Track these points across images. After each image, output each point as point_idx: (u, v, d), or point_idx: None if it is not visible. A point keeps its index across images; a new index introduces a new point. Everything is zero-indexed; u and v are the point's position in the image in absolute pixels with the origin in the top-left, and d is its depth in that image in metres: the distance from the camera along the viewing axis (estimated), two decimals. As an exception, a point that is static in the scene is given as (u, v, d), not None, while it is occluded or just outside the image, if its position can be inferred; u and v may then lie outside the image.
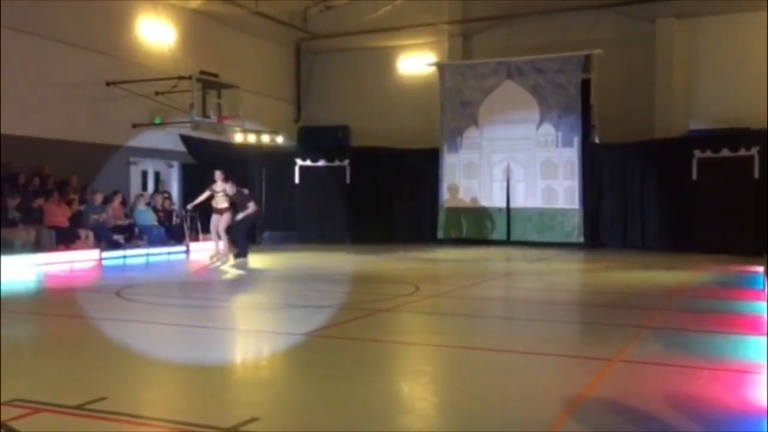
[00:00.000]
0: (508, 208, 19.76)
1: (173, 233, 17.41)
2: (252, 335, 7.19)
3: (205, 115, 17.48)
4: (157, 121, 18.27)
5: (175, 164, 20.10)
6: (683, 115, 20.15)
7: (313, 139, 23.63)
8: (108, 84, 17.25)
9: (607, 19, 20.61)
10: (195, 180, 17.98)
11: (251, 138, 20.25)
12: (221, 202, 14.17)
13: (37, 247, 13.87)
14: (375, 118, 23.25)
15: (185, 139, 19.10)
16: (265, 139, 20.64)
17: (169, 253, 16.41)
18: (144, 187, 19.27)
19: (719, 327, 7.33)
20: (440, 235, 20.37)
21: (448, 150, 20.52)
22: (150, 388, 5.06)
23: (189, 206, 15.29)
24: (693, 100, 20.26)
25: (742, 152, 16.98)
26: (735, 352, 6.30)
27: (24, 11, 15.48)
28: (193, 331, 7.22)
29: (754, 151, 16.75)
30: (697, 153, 17.64)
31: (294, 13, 23.43)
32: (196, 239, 17.56)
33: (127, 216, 16.57)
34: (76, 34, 16.74)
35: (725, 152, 17.27)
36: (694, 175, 17.64)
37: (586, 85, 19.01)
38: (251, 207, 14.26)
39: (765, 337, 6.29)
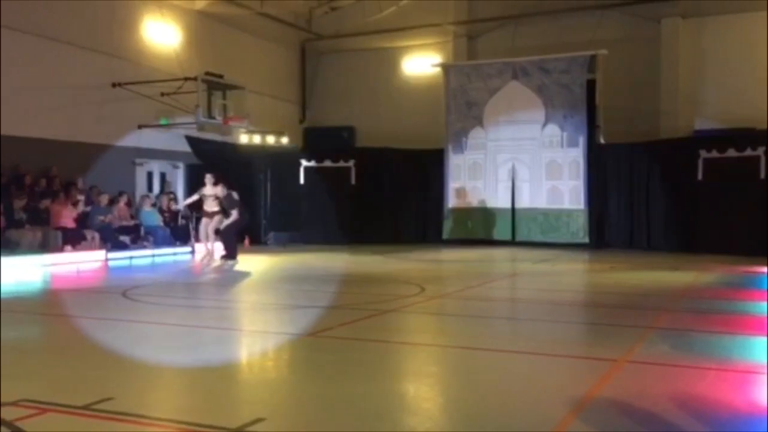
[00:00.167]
0: (513, 209, 19.74)
1: (179, 234, 17.44)
2: (258, 336, 7.20)
3: (210, 116, 17.51)
4: (163, 122, 18.31)
5: (181, 165, 20.14)
6: (689, 116, 20.10)
7: (318, 139, 23.65)
8: (114, 85, 17.31)
9: (612, 19, 20.59)
10: (200, 181, 17.94)
11: (256, 139, 20.28)
12: (211, 206, 14.12)
13: (44, 247, 13.92)
14: (380, 118, 23.26)
15: (190, 140, 19.14)
16: (270, 140, 20.66)
17: (174, 254, 16.44)
18: (149, 188, 19.31)
19: (725, 328, 7.31)
20: (445, 235, 20.36)
21: (453, 150, 20.52)
22: (156, 388, 5.07)
23: (181, 204, 15.24)
24: (699, 100, 20.20)
25: (748, 152, 16.92)
26: (741, 352, 6.28)
27: (30, 13, 15.55)
28: (199, 332, 7.23)
29: (761, 151, 16.68)
30: (703, 153, 17.58)
31: (299, 14, 23.46)
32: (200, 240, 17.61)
33: (132, 217, 16.62)
34: (82, 36, 16.80)
35: (731, 152, 17.20)
36: (700, 176, 17.58)
37: (591, 86, 18.98)
38: (234, 215, 13.98)
39: (772, 338, 6.27)
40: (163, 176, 20.02)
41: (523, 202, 19.68)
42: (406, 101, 23.10)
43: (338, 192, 20.59)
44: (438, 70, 21.54)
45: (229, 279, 12.51)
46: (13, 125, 14.81)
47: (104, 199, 16.01)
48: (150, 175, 19.58)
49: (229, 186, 14.28)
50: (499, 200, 19.95)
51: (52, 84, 16.10)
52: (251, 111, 18.74)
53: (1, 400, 4.32)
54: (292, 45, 24.28)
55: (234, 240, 14.35)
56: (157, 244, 16.49)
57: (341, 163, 20.97)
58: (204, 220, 14.34)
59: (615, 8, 20.45)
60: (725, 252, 15.93)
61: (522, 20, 21.49)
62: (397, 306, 8.81)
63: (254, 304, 9.78)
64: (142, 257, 15.53)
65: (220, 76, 17.80)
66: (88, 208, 15.68)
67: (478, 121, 20.28)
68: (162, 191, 19.28)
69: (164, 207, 17.85)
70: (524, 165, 19.76)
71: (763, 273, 12.28)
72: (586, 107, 18.98)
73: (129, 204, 16.78)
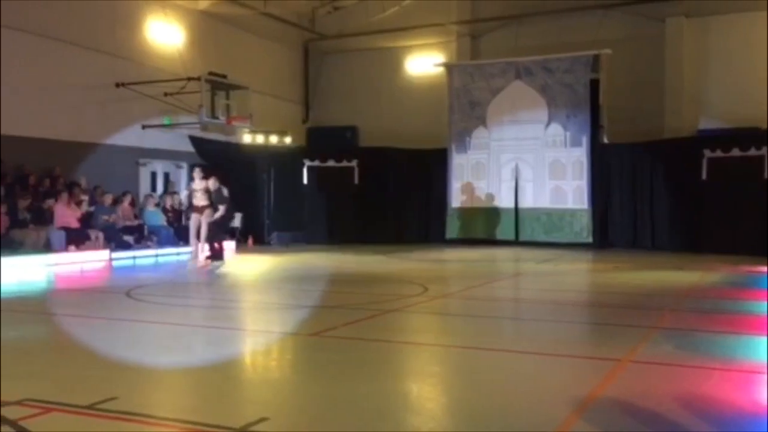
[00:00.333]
0: (516, 209, 19.73)
1: (182, 234, 17.44)
2: (261, 335, 7.20)
3: (213, 116, 17.54)
4: (167, 122, 18.34)
5: (184, 165, 20.15)
6: (693, 115, 20.07)
7: (322, 139, 23.66)
8: (117, 85, 17.33)
9: (616, 18, 20.57)
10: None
11: (259, 139, 20.29)
12: (200, 200, 13.98)
13: (48, 247, 13.95)
14: (383, 118, 23.26)
15: (194, 140, 19.16)
16: (274, 139, 20.66)
17: (178, 254, 16.45)
18: (153, 188, 19.33)
19: (730, 327, 7.29)
20: (449, 235, 20.36)
21: (456, 150, 20.51)
22: (160, 388, 5.07)
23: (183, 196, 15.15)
24: (702, 100, 20.17)
25: (753, 152, 16.89)
26: (746, 352, 6.27)
27: (34, 13, 15.58)
28: (202, 332, 7.24)
29: (765, 150, 16.66)
30: (707, 153, 17.56)
31: (302, 14, 23.48)
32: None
33: (136, 217, 16.65)
34: (86, 36, 16.82)
35: (735, 152, 17.18)
36: (704, 175, 17.56)
37: (594, 85, 18.96)
38: (221, 210, 13.87)
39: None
40: (166, 176, 20.05)
41: (527, 201, 19.67)
42: (409, 101, 23.10)
43: (341, 192, 20.61)
44: (441, 69, 21.54)
45: (232, 279, 12.52)
46: (18, 125, 14.85)
47: (108, 199, 16.03)
48: (153, 175, 19.61)
49: (222, 182, 14.20)
50: (503, 200, 19.94)
51: (55, 84, 16.13)
52: (254, 111, 18.76)
53: (6, 400, 4.33)
54: (295, 45, 24.30)
55: (221, 239, 14.27)
56: (161, 243, 16.50)
57: (344, 163, 20.98)
58: (194, 216, 14.20)
59: (618, 7, 20.43)
60: (729, 252, 15.91)
61: (525, 20, 21.47)
62: (400, 306, 8.81)
63: (257, 304, 9.79)
64: (145, 257, 15.55)
65: (224, 76, 17.82)
66: (92, 208, 15.71)
67: (482, 121, 20.27)
68: (165, 191, 19.31)
69: (168, 207, 17.87)
70: (527, 165, 19.74)
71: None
72: (590, 107, 18.96)
73: (133, 204, 16.81)
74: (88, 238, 14.87)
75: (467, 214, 20.32)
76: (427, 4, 22.10)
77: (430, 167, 20.96)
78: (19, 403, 4.30)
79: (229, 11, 20.61)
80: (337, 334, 6.91)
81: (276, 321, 8.12)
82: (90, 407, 4.27)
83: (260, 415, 4.18)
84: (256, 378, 5.53)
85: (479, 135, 20.31)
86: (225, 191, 14.14)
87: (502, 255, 17.26)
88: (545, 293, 10.63)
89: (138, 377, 5.18)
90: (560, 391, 4.84)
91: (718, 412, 4.35)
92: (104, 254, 14.81)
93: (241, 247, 18.82)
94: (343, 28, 23.46)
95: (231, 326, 7.78)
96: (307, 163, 20.96)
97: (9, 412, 4.11)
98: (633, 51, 20.26)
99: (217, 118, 17.69)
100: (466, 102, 20.45)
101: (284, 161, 20.76)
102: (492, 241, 19.72)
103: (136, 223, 16.43)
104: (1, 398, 4.35)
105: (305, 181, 20.88)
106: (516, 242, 19.52)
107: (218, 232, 14.13)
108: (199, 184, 14.01)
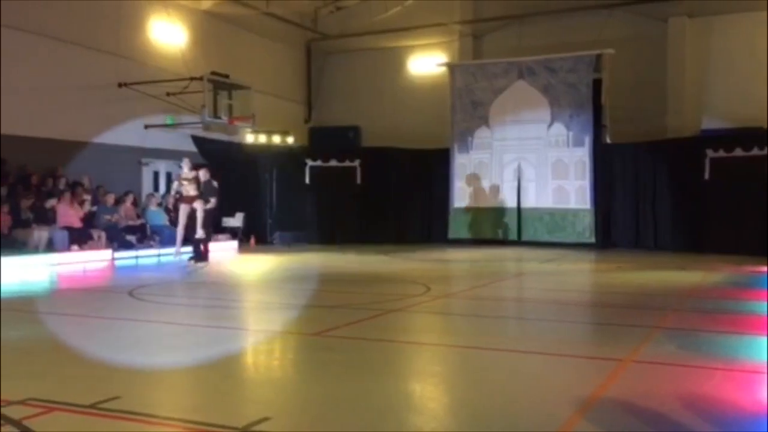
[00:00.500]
0: (519, 209, 19.71)
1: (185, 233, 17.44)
2: (263, 335, 7.20)
3: (216, 116, 17.54)
4: (169, 121, 18.36)
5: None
6: (696, 115, 20.04)
7: (324, 139, 23.67)
8: (120, 85, 17.35)
9: (619, 18, 20.55)
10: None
11: (262, 138, 20.31)
12: (189, 190, 13.92)
13: (50, 247, 13.97)
14: (385, 118, 23.27)
15: (196, 140, 19.17)
16: (276, 139, 20.68)
17: (181, 254, 16.44)
18: (155, 187, 19.35)
19: (733, 327, 7.28)
20: (451, 235, 20.35)
21: (458, 150, 20.50)
22: (162, 387, 5.07)
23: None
24: (705, 100, 20.14)
25: (756, 152, 16.85)
26: (749, 352, 6.26)
27: (36, 13, 15.60)
28: (205, 331, 7.24)
29: (768, 150, 16.63)
30: (710, 153, 17.53)
31: (304, 14, 23.48)
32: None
33: (139, 216, 16.66)
34: (88, 36, 16.84)
35: (738, 152, 17.14)
36: (707, 175, 17.53)
37: (597, 85, 18.95)
38: (212, 202, 13.86)
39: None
40: (169, 176, 20.03)
41: (529, 201, 19.65)
42: (412, 101, 23.10)
43: (343, 192, 20.61)
44: (443, 69, 21.53)
45: (234, 278, 12.52)
46: (20, 125, 14.87)
47: (110, 199, 16.05)
48: (156, 175, 19.62)
49: (219, 179, 14.16)
50: (505, 200, 19.93)
51: (58, 84, 16.16)
52: (257, 111, 18.76)
53: (10, 399, 4.33)
54: (297, 45, 24.31)
55: (208, 239, 14.22)
56: (164, 243, 16.49)
57: (347, 163, 20.98)
58: (183, 206, 14.14)
59: (621, 7, 20.40)
60: (732, 252, 15.88)
61: (528, 19, 21.46)
62: (402, 305, 8.81)
63: (259, 304, 9.80)
64: (148, 257, 15.56)
65: (226, 76, 17.83)
66: (95, 208, 15.73)
67: (484, 121, 20.26)
68: (168, 191, 19.32)
69: (170, 206, 17.87)
70: (530, 165, 19.73)
71: (771, 273, 12.23)
72: (593, 107, 18.94)
73: (135, 203, 16.83)
74: (90, 237, 14.89)
75: (470, 214, 20.31)
76: (429, 4, 22.08)
77: (432, 167, 20.96)
78: (22, 402, 4.31)
79: (232, 11, 20.62)
80: (339, 334, 6.91)
81: (278, 320, 8.12)
82: (92, 406, 4.28)
83: (262, 414, 4.18)
84: (259, 377, 5.54)
85: (482, 135, 20.30)
86: (215, 183, 14.11)
87: (504, 255, 17.25)
88: (548, 293, 10.62)
89: (140, 377, 5.19)
90: (563, 390, 4.84)
91: (720, 412, 4.35)
92: (107, 254, 14.82)
93: (243, 246, 18.84)
94: (345, 28, 23.46)
95: (233, 326, 7.78)
96: (310, 162, 20.96)
97: (12, 412, 4.12)
98: (636, 51, 20.24)
99: (220, 117, 17.70)
100: (468, 102, 20.44)
101: (286, 161, 20.77)
102: (494, 241, 19.71)
103: (138, 222, 16.44)
104: (6, 398, 4.36)
105: (307, 180, 20.88)
106: (518, 242, 19.51)
107: (209, 225, 14.07)
108: (186, 173, 14.00)
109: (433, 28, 22.44)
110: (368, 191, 20.67)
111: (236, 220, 19.44)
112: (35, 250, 13.61)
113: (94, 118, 16.95)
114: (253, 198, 20.16)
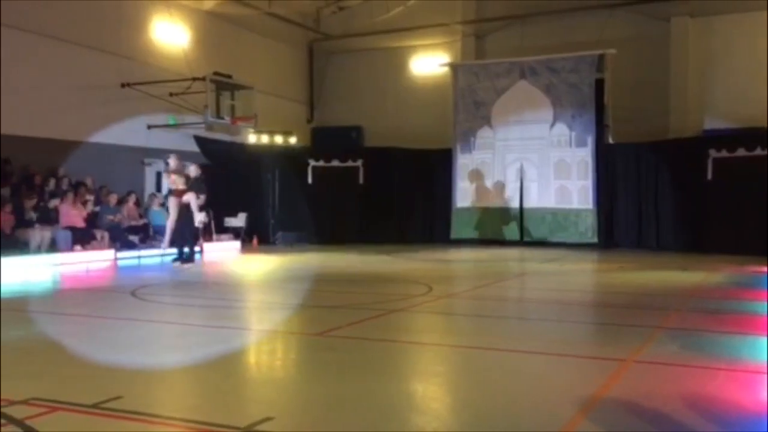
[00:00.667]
0: (521, 209, 19.71)
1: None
2: (266, 335, 7.21)
3: (218, 116, 17.57)
4: (172, 122, 18.38)
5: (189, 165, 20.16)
6: (698, 115, 20.02)
7: (327, 139, 23.68)
8: (123, 85, 17.38)
9: (621, 18, 20.53)
10: (208, 181, 18.03)
11: (264, 139, 20.33)
12: (179, 184, 13.83)
13: (53, 247, 13.99)
14: (388, 118, 23.27)
15: (199, 140, 19.20)
16: (279, 139, 20.70)
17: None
18: (158, 187, 19.36)
19: (735, 328, 7.28)
20: (453, 235, 20.35)
21: (461, 150, 20.50)
22: (164, 387, 5.08)
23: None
24: (708, 100, 20.12)
25: (758, 152, 16.85)
26: (751, 352, 6.25)
27: (38, 14, 15.62)
28: (207, 331, 7.24)
29: (770, 150, 16.60)
30: (713, 153, 17.53)
31: (307, 14, 23.49)
32: (210, 240, 17.72)
33: (141, 216, 16.68)
34: (91, 37, 16.87)
35: (741, 152, 17.13)
36: (709, 175, 17.52)
37: (599, 85, 18.95)
38: (202, 198, 13.87)
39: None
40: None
41: (532, 201, 19.65)
42: (414, 101, 23.11)
43: (346, 191, 20.62)
44: (446, 69, 21.54)
45: (236, 278, 12.53)
46: (23, 125, 14.90)
47: (113, 199, 16.07)
48: (159, 175, 19.62)
49: (220, 181, 14.14)
50: (508, 200, 19.93)
51: (61, 84, 16.18)
52: (259, 111, 18.78)
53: (13, 399, 4.35)
54: (300, 45, 24.32)
55: (192, 237, 14.21)
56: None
57: (349, 163, 20.99)
58: (173, 199, 14.03)
59: (623, 7, 20.39)
60: (734, 252, 15.87)
61: (530, 19, 21.45)
62: (404, 305, 8.81)
63: (261, 304, 9.81)
64: (150, 256, 15.58)
65: (229, 76, 17.86)
66: (98, 208, 15.75)
67: (486, 121, 20.26)
68: (170, 191, 19.33)
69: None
70: (532, 165, 19.72)
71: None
72: (595, 107, 18.95)
73: (138, 203, 16.85)
74: (93, 237, 14.92)
75: (472, 214, 20.31)
76: (431, 4, 22.09)
77: (434, 167, 20.96)
78: (25, 402, 4.32)
79: (234, 11, 20.64)
80: (341, 334, 6.91)
81: (280, 320, 8.12)
82: (95, 406, 4.29)
83: (265, 414, 4.18)
84: (261, 377, 5.54)
85: (484, 135, 20.30)
86: (202, 181, 14.09)
87: (506, 255, 17.24)
88: (550, 293, 10.61)
89: (143, 376, 5.19)
90: (565, 390, 4.83)
91: (723, 413, 4.34)
92: (109, 254, 14.84)
93: (245, 246, 18.86)
94: (347, 28, 23.47)
95: (235, 326, 7.79)
96: (312, 163, 20.97)
97: (15, 411, 4.13)
98: (638, 51, 20.23)
99: (222, 118, 17.72)
100: (470, 102, 20.44)
101: (289, 161, 20.78)
102: (497, 241, 19.71)
103: (141, 222, 16.47)
104: (9, 398, 4.37)
105: (310, 181, 20.90)
106: (521, 242, 19.51)
107: (189, 229, 14.01)
108: (174, 165, 13.95)
109: (435, 28, 22.44)
110: (370, 191, 20.68)
111: (239, 220, 19.46)
112: (38, 250, 13.64)
113: (97, 118, 16.97)
114: (256, 198, 20.17)
